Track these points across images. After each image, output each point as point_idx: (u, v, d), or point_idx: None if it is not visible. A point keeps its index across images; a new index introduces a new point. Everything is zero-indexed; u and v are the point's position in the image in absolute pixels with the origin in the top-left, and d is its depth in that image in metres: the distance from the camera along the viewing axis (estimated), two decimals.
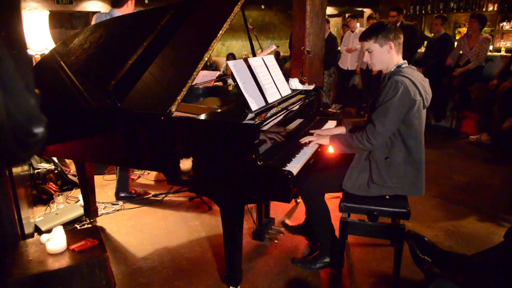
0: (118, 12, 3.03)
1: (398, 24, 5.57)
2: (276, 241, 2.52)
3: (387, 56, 1.94)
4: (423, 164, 1.96)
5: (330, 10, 10.33)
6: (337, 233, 2.12)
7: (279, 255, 2.40)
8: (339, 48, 6.89)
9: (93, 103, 2.07)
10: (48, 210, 3.04)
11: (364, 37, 1.97)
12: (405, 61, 1.98)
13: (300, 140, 2.16)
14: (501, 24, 7.19)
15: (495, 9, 7.15)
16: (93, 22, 3.10)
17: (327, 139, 2.09)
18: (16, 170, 2.42)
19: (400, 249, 1.97)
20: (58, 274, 1.65)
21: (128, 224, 2.85)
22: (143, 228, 2.77)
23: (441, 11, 7.83)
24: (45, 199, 3.17)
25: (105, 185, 3.46)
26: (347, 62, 6.50)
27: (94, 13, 3.14)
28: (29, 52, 3.47)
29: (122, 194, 3.24)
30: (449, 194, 3.28)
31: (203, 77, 2.95)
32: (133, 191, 3.30)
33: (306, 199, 2.15)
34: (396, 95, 1.82)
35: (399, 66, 1.94)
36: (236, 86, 1.89)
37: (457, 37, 7.46)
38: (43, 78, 2.43)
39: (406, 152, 1.93)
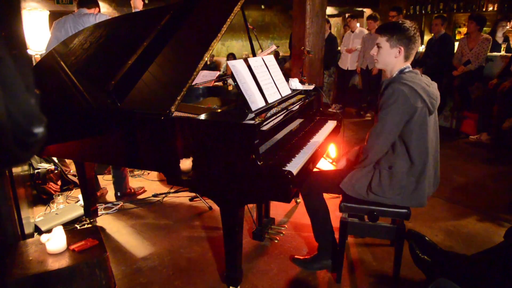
0: (87, 11, 3.11)
1: None
2: (276, 241, 2.52)
3: (393, 59, 1.88)
4: (425, 175, 1.85)
5: (330, 10, 10.34)
6: (337, 233, 2.12)
7: (279, 255, 2.40)
8: (339, 48, 6.90)
9: (93, 103, 2.07)
10: (48, 210, 3.04)
11: (380, 30, 1.91)
12: (409, 65, 1.90)
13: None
14: None
15: (495, 9, 7.16)
16: (52, 28, 3.16)
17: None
18: (16, 170, 2.42)
19: (400, 249, 1.97)
20: (58, 274, 1.66)
21: (128, 224, 2.85)
22: (143, 228, 2.77)
23: (441, 11, 7.84)
24: (45, 199, 3.17)
25: (105, 185, 3.46)
26: (347, 62, 6.50)
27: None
28: (29, 52, 3.48)
29: (120, 194, 3.25)
30: (449, 194, 3.28)
31: (203, 77, 2.95)
32: (132, 190, 3.31)
33: (305, 197, 2.16)
34: (393, 104, 1.77)
35: (401, 72, 1.88)
36: (236, 86, 1.89)
37: (457, 37, 7.47)
38: (43, 78, 2.43)
39: (409, 162, 1.85)
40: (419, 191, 1.87)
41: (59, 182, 3.36)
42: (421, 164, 1.84)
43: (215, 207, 2.98)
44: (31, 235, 2.49)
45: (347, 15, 7.65)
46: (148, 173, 3.85)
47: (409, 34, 1.84)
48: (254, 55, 2.59)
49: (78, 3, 3.16)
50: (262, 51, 3.21)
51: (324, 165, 3.82)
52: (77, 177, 2.97)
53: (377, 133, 1.85)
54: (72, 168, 3.58)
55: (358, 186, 1.96)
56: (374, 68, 5.82)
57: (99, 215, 2.91)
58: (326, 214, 2.15)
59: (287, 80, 2.48)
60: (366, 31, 6.24)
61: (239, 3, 2.00)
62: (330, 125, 2.63)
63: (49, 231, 1.87)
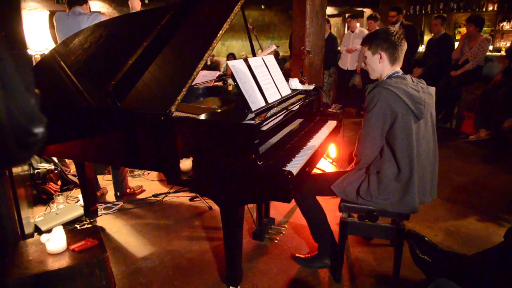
0: (82, 9, 3.12)
1: (398, 24, 5.57)
2: (276, 241, 2.52)
3: (378, 65, 1.91)
4: (413, 182, 1.81)
5: (330, 10, 10.32)
6: (337, 233, 2.12)
7: (279, 255, 2.40)
8: (339, 48, 6.90)
9: (93, 103, 2.07)
10: (48, 210, 3.04)
11: (362, 42, 1.98)
12: (398, 69, 1.90)
13: None
14: (501, 24, 7.18)
15: (495, 9, 7.15)
16: (54, 23, 3.18)
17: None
18: (16, 170, 2.42)
19: (400, 249, 1.97)
20: (58, 274, 1.66)
21: (128, 224, 2.85)
22: (143, 228, 2.77)
23: (441, 11, 7.83)
24: (45, 199, 3.17)
25: (105, 185, 3.46)
26: (347, 62, 6.51)
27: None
28: (29, 52, 3.48)
29: (120, 194, 3.25)
30: (449, 194, 3.28)
31: (203, 77, 2.95)
32: (131, 190, 3.31)
33: (299, 201, 2.15)
34: (374, 108, 1.79)
35: (389, 77, 1.89)
36: (236, 86, 1.89)
37: (457, 37, 7.46)
38: (43, 78, 2.43)
39: (396, 168, 1.82)
40: (407, 198, 1.83)
41: (59, 182, 3.36)
42: (408, 171, 1.81)
43: (215, 207, 2.98)
44: (31, 235, 2.49)
45: (347, 15, 7.65)
46: (148, 173, 3.85)
47: (388, 38, 1.85)
48: (254, 55, 2.59)
49: (69, 3, 3.16)
50: (262, 51, 3.22)
51: (324, 165, 3.83)
52: (77, 177, 2.97)
53: (363, 138, 1.89)
54: (72, 168, 3.58)
55: (349, 190, 1.96)
56: None
57: (99, 215, 2.90)
58: (322, 216, 2.14)
59: (287, 80, 2.48)
60: (366, 31, 6.24)
61: (239, 3, 2.00)
62: (330, 125, 2.63)
63: (49, 231, 1.87)
